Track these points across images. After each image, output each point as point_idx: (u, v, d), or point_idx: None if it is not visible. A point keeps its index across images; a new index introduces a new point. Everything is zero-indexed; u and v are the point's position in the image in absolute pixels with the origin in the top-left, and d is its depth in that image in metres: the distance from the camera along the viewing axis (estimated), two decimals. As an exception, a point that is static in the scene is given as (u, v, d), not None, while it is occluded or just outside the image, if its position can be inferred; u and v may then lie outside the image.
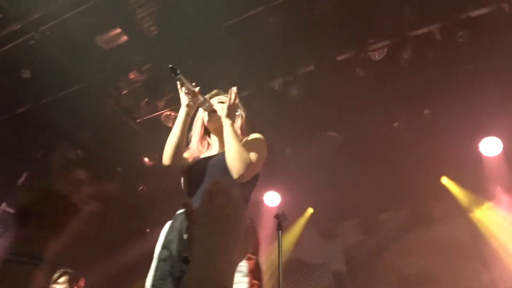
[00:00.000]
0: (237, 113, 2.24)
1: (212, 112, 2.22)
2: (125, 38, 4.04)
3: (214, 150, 2.24)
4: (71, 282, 3.60)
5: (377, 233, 6.09)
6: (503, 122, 4.78)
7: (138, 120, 4.85)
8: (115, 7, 3.84)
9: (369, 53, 4.15)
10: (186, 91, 2.17)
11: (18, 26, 3.89)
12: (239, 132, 2.20)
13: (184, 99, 2.19)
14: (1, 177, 5.05)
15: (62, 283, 3.56)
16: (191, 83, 2.15)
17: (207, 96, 2.32)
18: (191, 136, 2.30)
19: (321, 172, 5.11)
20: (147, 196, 5.72)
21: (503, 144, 4.93)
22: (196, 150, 2.27)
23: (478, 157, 5.08)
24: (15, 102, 4.57)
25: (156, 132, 4.98)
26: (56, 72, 4.23)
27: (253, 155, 2.03)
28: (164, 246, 1.93)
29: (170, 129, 4.92)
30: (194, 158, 2.22)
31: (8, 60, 4.11)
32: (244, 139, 2.19)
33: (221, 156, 2.08)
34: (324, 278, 6.23)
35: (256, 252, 1.92)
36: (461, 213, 5.67)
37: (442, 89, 4.54)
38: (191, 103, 2.17)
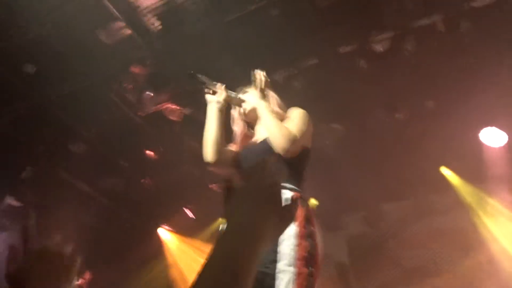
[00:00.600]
0: (268, 95, 2.25)
1: (242, 103, 2.25)
2: (128, 32, 4.04)
3: (258, 139, 2.24)
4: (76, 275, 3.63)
5: (380, 225, 6.12)
6: (505, 114, 4.78)
7: (142, 114, 4.86)
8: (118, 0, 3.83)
9: (372, 45, 4.15)
10: (211, 91, 2.19)
11: (20, 20, 3.88)
12: (278, 110, 2.19)
13: (211, 98, 2.19)
14: (5, 171, 5.07)
15: None
16: (212, 82, 2.17)
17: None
18: (235, 136, 2.32)
19: (325, 164, 5.12)
20: (152, 190, 5.76)
21: (507, 135, 4.94)
22: (241, 145, 2.28)
23: (481, 148, 5.09)
24: (19, 97, 4.57)
25: (160, 126, 5.01)
26: (60, 67, 4.23)
27: (295, 129, 2.01)
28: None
29: (173, 122, 4.94)
30: (240, 149, 2.24)
31: (11, 55, 4.11)
32: (286, 117, 2.16)
33: (263, 141, 2.08)
34: (327, 269, 6.27)
35: (310, 235, 1.78)
36: (463, 204, 5.69)
37: (445, 81, 4.54)
38: (221, 99, 2.16)
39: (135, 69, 4.39)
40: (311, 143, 2.13)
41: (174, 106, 4.70)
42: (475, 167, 5.36)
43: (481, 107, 4.74)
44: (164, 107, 4.73)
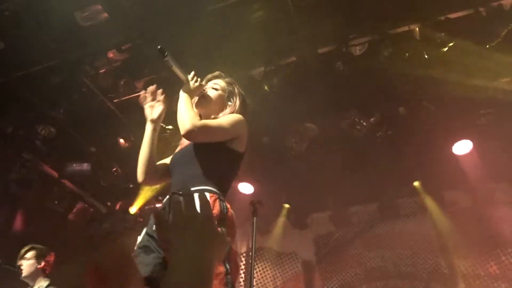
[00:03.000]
0: (229, 103, 2.22)
1: (201, 96, 2.18)
2: (105, 15, 3.94)
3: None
4: (38, 257, 3.53)
5: (346, 226, 6.23)
6: (473, 123, 4.94)
7: (115, 100, 4.76)
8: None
9: (350, 47, 4.21)
10: (152, 102, 2.22)
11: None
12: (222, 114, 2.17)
13: (149, 113, 2.19)
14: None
15: (29, 259, 3.50)
16: (180, 67, 2.11)
17: (208, 76, 2.30)
18: None
19: (296, 163, 5.16)
20: (121, 178, 5.66)
21: (473, 144, 5.09)
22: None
23: (450, 156, 5.23)
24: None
25: (133, 113, 4.92)
26: (32, 45, 4.10)
27: (211, 122, 2.04)
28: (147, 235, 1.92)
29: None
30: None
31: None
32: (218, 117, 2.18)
33: (188, 146, 2.09)
34: (293, 266, 6.35)
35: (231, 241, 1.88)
36: (426, 210, 5.87)
37: (418, 88, 4.65)
38: (155, 116, 2.20)
39: (111, 54, 4.30)
40: (244, 148, 2.12)
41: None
42: (441, 175, 5.53)
43: (451, 116, 4.89)
44: (138, 94, 4.64)
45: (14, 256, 3.58)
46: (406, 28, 4.07)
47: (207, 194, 1.84)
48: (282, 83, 4.38)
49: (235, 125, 2.07)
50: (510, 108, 4.60)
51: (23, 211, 5.67)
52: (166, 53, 2.02)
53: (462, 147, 5.15)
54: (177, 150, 2.24)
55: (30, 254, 3.53)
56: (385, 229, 6.00)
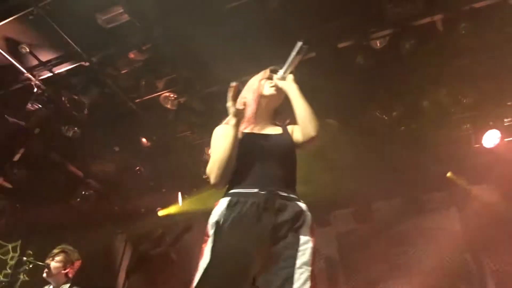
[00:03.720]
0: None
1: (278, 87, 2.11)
2: (126, 17, 4.00)
3: (268, 129, 2.11)
4: (67, 262, 3.57)
5: (369, 222, 6.16)
6: (500, 115, 4.81)
7: (136, 100, 4.83)
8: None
9: (371, 41, 4.14)
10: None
11: (18, 1, 3.84)
12: None
13: (232, 106, 1.96)
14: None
15: (57, 262, 3.53)
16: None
17: (263, 71, 2.23)
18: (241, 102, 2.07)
19: (316, 159, 5.13)
20: (144, 177, 5.75)
21: (501, 135, 4.94)
22: (246, 123, 2.08)
23: (477, 149, 5.10)
24: (12, 77, 4.54)
25: (155, 112, 4.99)
26: (56, 48, 4.20)
27: None
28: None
29: (168, 110, 4.91)
30: (247, 133, 2.04)
31: (7, 34, 4.08)
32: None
33: (281, 139, 2.05)
34: (317, 264, 6.31)
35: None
36: (452, 204, 5.75)
37: (441, 80, 4.55)
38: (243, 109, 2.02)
39: (132, 54, 4.36)
40: None
41: (169, 94, 4.68)
42: (468, 167, 5.41)
43: (475, 108, 4.77)
44: (159, 94, 4.71)
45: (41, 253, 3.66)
46: (428, 19, 3.98)
47: (303, 205, 1.95)
48: (302, 79, 4.34)
49: None
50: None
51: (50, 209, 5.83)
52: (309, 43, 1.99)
53: (490, 140, 4.99)
54: (249, 131, 2.04)
55: (60, 257, 3.56)
56: (409, 225, 5.89)
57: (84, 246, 4.17)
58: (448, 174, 5.62)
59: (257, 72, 2.25)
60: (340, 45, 4.21)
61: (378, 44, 4.15)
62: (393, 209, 6.07)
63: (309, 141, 1.96)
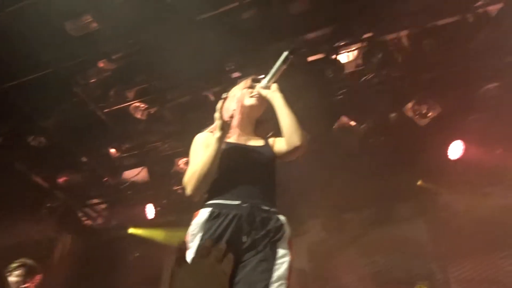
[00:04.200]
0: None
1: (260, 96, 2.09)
2: (95, 25, 3.95)
3: (252, 141, 2.10)
4: (26, 275, 3.45)
5: (340, 232, 6.23)
6: (464, 127, 4.98)
7: (105, 110, 4.75)
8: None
9: (340, 55, 4.24)
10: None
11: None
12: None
13: (219, 119, 1.91)
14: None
15: (17, 276, 3.41)
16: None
17: (244, 81, 2.22)
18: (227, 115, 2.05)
19: (287, 169, 5.15)
20: (112, 188, 5.63)
21: (466, 147, 5.10)
22: (235, 133, 2.08)
23: (445, 160, 5.25)
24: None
25: (124, 123, 4.91)
26: (23, 55, 4.09)
27: None
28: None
29: (138, 121, 4.85)
30: (232, 143, 2.03)
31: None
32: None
33: (264, 151, 2.03)
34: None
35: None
36: (420, 215, 5.89)
37: (408, 94, 4.69)
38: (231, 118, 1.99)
39: (101, 63, 4.30)
40: None
41: (139, 104, 4.63)
42: (436, 177, 5.56)
43: (441, 120, 4.93)
44: (129, 104, 4.65)
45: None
46: (395, 35, 4.12)
47: (283, 218, 1.93)
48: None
49: None
50: (502, 109, 4.66)
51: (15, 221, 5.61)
52: (294, 53, 1.98)
53: (456, 151, 5.15)
54: (233, 141, 2.04)
55: (20, 271, 3.44)
56: (379, 234, 5.99)
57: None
58: (419, 183, 5.74)
59: (229, 82, 2.26)
60: (310, 58, 4.28)
61: (347, 58, 4.26)
62: (363, 219, 6.16)
63: (293, 151, 1.96)
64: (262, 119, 2.21)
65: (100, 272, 5.97)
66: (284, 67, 2.02)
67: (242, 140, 2.07)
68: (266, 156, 2.02)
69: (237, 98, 2.14)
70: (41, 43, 4.05)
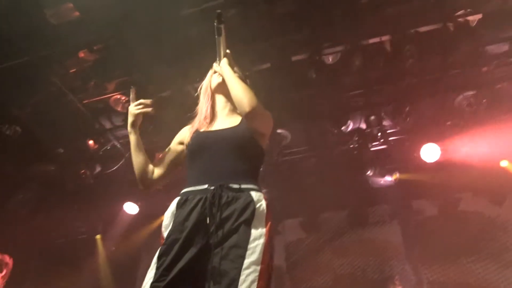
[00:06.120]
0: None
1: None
2: (76, 14, 3.85)
3: (219, 125, 2.05)
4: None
5: (317, 232, 6.29)
6: (440, 133, 5.09)
7: (84, 101, 4.65)
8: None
9: (323, 56, 4.27)
10: (138, 104, 2.04)
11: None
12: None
13: (131, 115, 2.03)
14: None
15: None
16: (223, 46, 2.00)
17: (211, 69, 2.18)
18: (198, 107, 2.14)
19: (267, 169, 5.17)
20: (88, 181, 5.52)
21: (441, 152, 5.18)
22: (202, 122, 2.08)
23: (419, 163, 5.34)
24: None
25: (103, 115, 4.83)
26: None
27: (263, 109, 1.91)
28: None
29: (118, 113, 4.77)
30: (197, 131, 2.02)
31: None
32: None
33: (232, 130, 1.94)
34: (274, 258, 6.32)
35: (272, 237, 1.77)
36: (394, 217, 6.00)
37: (388, 97, 4.76)
38: (138, 118, 2.04)
39: (82, 54, 4.20)
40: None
41: (120, 96, 4.55)
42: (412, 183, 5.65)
43: (418, 124, 5.02)
44: (109, 96, 4.56)
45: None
46: (377, 39, 4.17)
47: (260, 194, 1.80)
48: (256, 88, 4.38)
49: (269, 122, 2.00)
50: (475, 116, 4.78)
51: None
52: (223, 19, 1.91)
53: (431, 156, 5.19)
54: (195, 130, 2.04)
55: None
56: (354, 236, 6.08)
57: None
58: (395, 176, 5.73)
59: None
60: (294, 58, 4.29)
61: (330, 60, 4.28)
62: (339, 221, 6.24)
63: (247, 118, 1.85)
64: None
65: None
66: (221, 37, 1.98)
67: (213, 127, 2.05)
68: (234, 135, 1.92)
69: (206, 87, 2.17)
70: (18, 29, 3.93)
